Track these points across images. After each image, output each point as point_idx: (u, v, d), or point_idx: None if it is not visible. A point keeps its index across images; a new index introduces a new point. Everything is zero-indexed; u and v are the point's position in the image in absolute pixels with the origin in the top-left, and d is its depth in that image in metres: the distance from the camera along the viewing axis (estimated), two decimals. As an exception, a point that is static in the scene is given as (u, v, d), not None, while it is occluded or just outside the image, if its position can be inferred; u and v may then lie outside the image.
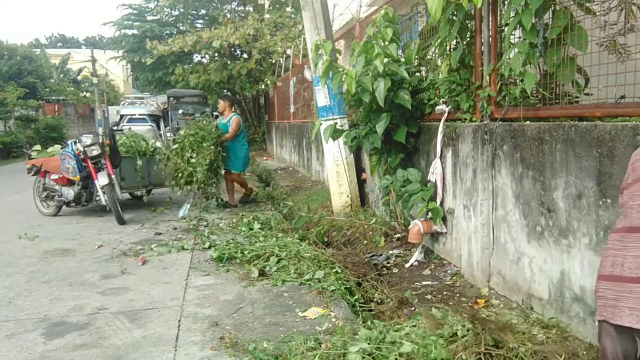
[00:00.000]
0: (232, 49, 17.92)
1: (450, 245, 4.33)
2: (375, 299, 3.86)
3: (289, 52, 15.57)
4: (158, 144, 8.25)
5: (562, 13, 2.90)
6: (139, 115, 12.69)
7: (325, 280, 3.97)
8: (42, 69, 30.86)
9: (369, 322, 3.07)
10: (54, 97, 32.58)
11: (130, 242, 5.70)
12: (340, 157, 6.46)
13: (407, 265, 4.51)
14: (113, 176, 6.72)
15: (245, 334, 3.14)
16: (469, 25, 3.83)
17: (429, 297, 3.70)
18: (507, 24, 3.32)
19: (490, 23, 3.53)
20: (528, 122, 3.21)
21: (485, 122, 3.64)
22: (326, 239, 5.76)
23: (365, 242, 5.34)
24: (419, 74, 4.96)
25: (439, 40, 4.07)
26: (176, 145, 7.09)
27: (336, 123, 5.70)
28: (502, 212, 3.51)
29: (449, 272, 4.21)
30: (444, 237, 4.46)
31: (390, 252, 4.89)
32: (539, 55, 3.03)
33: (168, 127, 13.44)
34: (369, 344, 2.62)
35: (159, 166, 7.71)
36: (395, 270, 4.49)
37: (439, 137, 4.26)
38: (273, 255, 4.58)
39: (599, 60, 2.80)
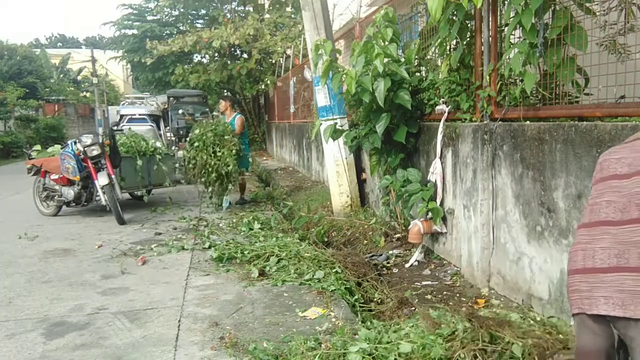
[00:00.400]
0: (232, 49, 17.91)
1: (450, 245, 4.33)
2: (375, 299, 3.86)
3: (289, 52, 15.56)
4: (158, 144, 8.25)
5: (562, 13, 2.90)
6: (139, 115, 12.69)
7: (325, 280, 3.97)
8: (42, 69, 30.86)
9: (369, 322, 3.07)
10: (54, 97, 32.58)
11: (130, 242, 5.70)
12: (340, 157, 6.45)
13: (407, 265, 4.51)
14: (113, 176, 6.72)
15: (245, 334, 3.14)
16: (469, 25, 3.83)
17: (429, 297, 3.69)
18: (507, 24, 3.33)
19: (490, 23, 3.53)
20: (528, 122, 3.21)
21: (485, 122, 3.64)
22: (326, 239, 5.76)
23: (365, 242, 5.34)
24: (419, 74, 4.96)
25: (439, 40, 4.07)
26: (197, 143, 7.05)
27: (336, 123, 5.70)
28: (502, 212, 3.51)
29: (449, 272, 4.21)
30: (444, 237, 4.46)
31: (390, 252, 4.89)
32: (539, 55, 3.03)
33: (168, 127, 13.43)
34: (368, 344, 2.63)
35: (159, 166, 7.73)
36: (395, 270, 4.49)
37: (439, 137, 4.26)
38: (273, 255, 4.58)
39: (599, 60, 2.80)
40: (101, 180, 6.61)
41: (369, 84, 4.40)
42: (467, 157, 3.90)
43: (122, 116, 12.86)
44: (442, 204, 4.34)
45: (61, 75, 37.05)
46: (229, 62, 17.45)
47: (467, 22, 3.80)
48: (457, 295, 3.71)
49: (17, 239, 5.98)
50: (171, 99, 15.51)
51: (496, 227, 3.59)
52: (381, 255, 4.82)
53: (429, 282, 4.03)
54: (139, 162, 7.53)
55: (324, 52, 5.16)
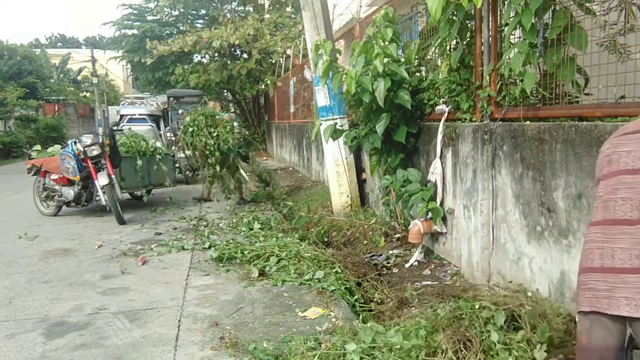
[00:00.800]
0: (232, 49, 17.90)
1: (450, 245, 4.33)
2: (375, 299, 3.86)
3: (289, 52, 15.55)
4: (158, 144, 8.25)
5: (562, 13, 2.90)
6: (139, 115, 12.67)
7: (325, 280, 3.97)
8: (42, 69, 30.86)
9: (369, 323, 3.07)
10: (54, 97, 32.58)
11: (130, 242, 5.70)
12: (340, 157, 6.45)
13: (407, 265, 4.51)
14: (113, 176, 6.72)
15: (245, 334, 3.14)
16: (469, 25, 3.83)
17: (429, 297, 3.69)
18: (507, 24, 3.32)
19: (490, 23, 3.53)
20: (528, 122, 3.21)
21: (485, 122, 3.64)
22: (326, 239, 5.76)
23: (365, 242, 5.34)
24: (419, 74, 4.96)
25: (439, 40, 4.06)
26: (192, 128, 7.14)
27: (336, 123, 5.70)
28: (502, 212, 3.51)
29: (449, 272, 4.21)
30: (444, 237, 4.46)
31: (390, 252, 4.89)
32: (538, 55, 3.03)
33: (168, 127, 13.41)
34: (364, 342, 2.64)
35: (159, 166, 7.74)
36: (395, 270, 4.49)
37: (439, 137, 4.26)
38: (273, 255, 4.58)
39: (599, 60, 2.80)
40: (101, 180, 6.61)
41: (369, 84, 4.40)
42: (467, 157, 3.90)
43: (122, 116, 12.85)
44: (442, 204, 4.34)
45: (61, 75, 37.05)
46: (229, 62, 17.43)
47: (467, 22, 3.80)
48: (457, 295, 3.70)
49: (17, 239, 5.99)
50: (171, 99, 15.49)
51: (496, 227, 3.59)
52: (381, 255, 4.82)
53: (429, 282, 4.03)
54: (139, 162, 7.54)
55: (324, 52, 5.16)
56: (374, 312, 3.64)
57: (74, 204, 7.21)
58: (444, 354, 2.42)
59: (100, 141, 6.78)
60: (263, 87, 17.30)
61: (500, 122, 3.47)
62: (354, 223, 5.85)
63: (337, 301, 3.62)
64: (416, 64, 5.00)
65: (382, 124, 4.61)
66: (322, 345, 2.78)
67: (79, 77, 39.20)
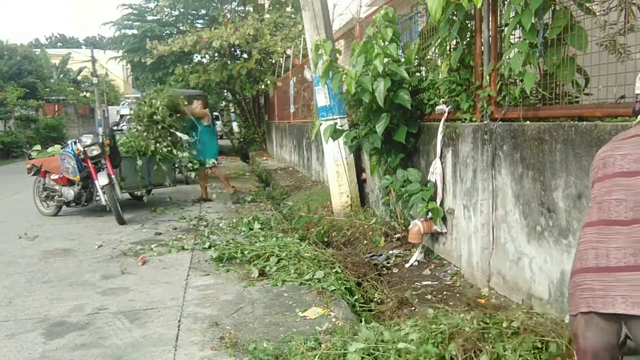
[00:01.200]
0: (232, 49, 17.88)
1: (450, 245, 4.33)
2: (375, 299, 3.86)
3: (289, 52, 15.54)
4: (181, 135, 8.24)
5: (562, 13, 2.90)
6: (139, 115, 12.66)
7: (325, 280, 3.97)
8: (42, 69, 30.85)
9: (369, 323, 3.07)
10: (54, 97, 32.57)
11: (130, 242, 5.70)
12: (340, 157, 6.45)
13: (407, 265, 4.51)
14: (113, 176, 6.72)
15: (245, 334, 3.14)
16: (469, 25, 3.83)
17: (429, 297, 3.70)
18: (507, 24, 3.33)
19: (490, 23, 3.53)
20: (528, 122, 3.21)
21: (485, 122, 3.64)
22: (326, 239, 5.76)
23: (365, 242, 5.34)
24: (419, 74, 4.96)
25: (439, 40, 4.07)
26: (134, 122, 7.52)
27: (336, 123, 5.70)
28: (502, 212, 3.51)
29: (449, 272, 4.21)
30: (444, 237, 4.46)
31: (390, 252, 4.89)
32: (538, 55, 3.03)
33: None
34: (367, 343, 2.63)
35: (159, 166, 7.73)
36: (395, 270, 4.49)
37: (439, 137, 4.26)
38: (273, 255, 4.58)
39: (599, 60, 2.80)
40: (101, 180, 6.61)
41: (369, 84, 4.40)
42: (467, 157, 3.90)
43: (122, 116, 12.87)
44: (442, 204, 4.34)
45: (61, 75, 37.04)
46: (229, 62, 17.41)
47: (467, 22, 3.80)
48: (457, 295, 3.71)
49: (17, 239, 5.98)
50: (171, 99, 15.46)
51: (496, 227, 3.59)
52: (381, 255, 4.82)
53: (429, 282, 4.03)
54: (139, 162, 7.53)
55: (324, 52, 5.16)
56: (374, 312, 3.64)
57: (74, 204, 7.20)
58: None
59: (100, 141, 6.78)
60: (263, 87, 17.28)
61: (500, 122, 3.47)
62: (354, 223, 5.85)
63: (337, 301, 3.62)
64: (416, 64, 5.00)
65: (382, 124, 4.61)
66: (322, 345, 2.78)
67: (79, 77, 39.20)
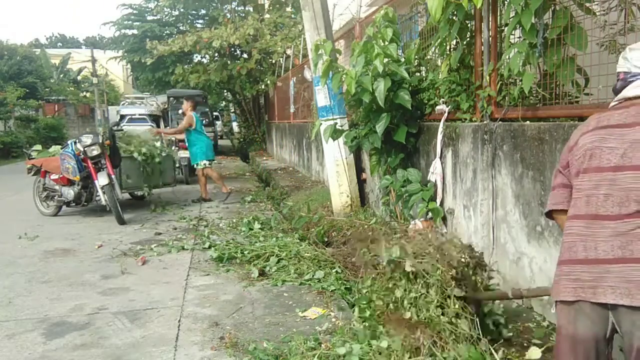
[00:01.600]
0: (232, 49, 17.88)
1: (450, 245, 4.32)
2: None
3: (289, 52, 15.54)
4: (158, 144, 8.26)
5: (562, 13, 2.90)
6: (139, 115, 12.69)
7: (325, 280, 3.97)
8: (42, 69, 30.84)
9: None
10: (54, 97, 32.55)
11: (130, 242, 5.70)
12: (340, 157, 6.45)
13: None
14: (113, 176, 6.72)
15: (245, 334, 3.14)
16: (469, 25, 3.83)
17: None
18: (507, 24, 3.32)
19: (490, 23, 3.53)
20: (528, 122, 3.21)
21: (485, 122, 3.64)
22: (326, 239, 5.75)
23: (365, 242, 5.33)
24: (419, 74, 4.96)
25: (439, 40, 4.06)
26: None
27: (336, 123, 5.70)
28: (502, 212, 3.51)
29: (449, 272, 4.20)
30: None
31: (390, 252, 4.89)
32: (538, 55, 3.03)
33: (168, 127, 13.42)
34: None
35: (159, 166, 7.76)
36: (395, 270, 4.49)
37: (439, 137, 4.26)
38: (273, 255, 4.58)
39: (599, 60, 2.80)
40: (101, 180, 6.61)
41: (369, 84, 4.40)
42: (467, 157, 3.90)
43: (122, 116, 12.87)
44: (442, 204, 4.34)
45: (61, 75, 37.02)
46: (229, 62, 17.41)
47: (467, 22, 3.80)
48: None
49: (17, 239, 5.98)
50: (171, 99, 15.52)
51: (496, 227, 3.59)
52: (381, 255, 4.82)
53: (429, 282, 4.03)
54: (139, 162, 7.54)
55: (324, 52, 5.16)
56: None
57: (74, 204, 7.20)
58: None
59: (100, 141, 6.78)
60: (263, 87, 17.29)
61: (500, 122, 3.47)
62: (354, 223, 5.84)
63: (337, 301, 3.62)
64: (416, 64, 5.00)
65: (382, 124, 4.61)
66: (322, 345, 2.78)
67: (79, 77, 39.18)
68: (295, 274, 4.21)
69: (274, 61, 16.75)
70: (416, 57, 4.87)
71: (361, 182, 6.66)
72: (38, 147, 8.44)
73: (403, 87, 4.56)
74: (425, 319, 2.52)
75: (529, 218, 3.20)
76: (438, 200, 4.32)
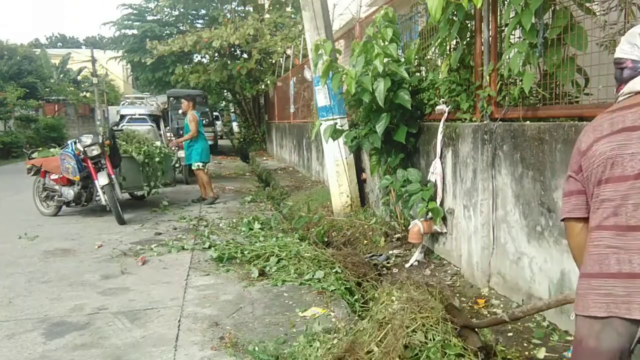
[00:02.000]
0: (232, 49, 17.89)
1: (450, 245, 4.33)
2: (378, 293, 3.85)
3: (289, 52, 15.55)
4: (158, 144, 8.27)
5: (562, 13, 2.90)
6: (139, 115, 12.67)
7: (325, 280, 3.97)
8: (42, 69, 30.84)
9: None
10: (54, 97, 32.55)
11: (130, 242, 5.69)
12: (340, 157, 6.45)
13: (407, 265, 4.51)
14: (113, 176, 6.72)
15: (245, 334, 3.14)
16: (469, 25, 3.83)
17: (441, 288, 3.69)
18: (507, 24, 3.33)
19: (490, 23, 3.53)
20: (528, 122, 3.21)
21: (485, 122, 3.64)
22: (326, 239, 5.76)
23: (365, 242, 5.34)
24: (419, 74, 4.96)
25: (439, 40, 4.07)
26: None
27: (336, 123, 5.70)
28: (502, 212, 3.51)
29: (449, 272, 4.21)
30: (444, 237, 4.46)
31: (390, 252, 4.89)
32: (538, 55, 3.03)
33: (168, 127, 13.43)
34: None
35: (160, 166, 7.77)
36: (395, 270, 4.49)
37: (439, 137, 4.26)
38: (273, 255, 4.58)
39: (599, 60, 2.80)
40: (101, 180, 6.61)
41: (369, 84, 4.40)
42: (467, 157, 3.90)
43: (122, 116, 12.85)
44: (442, 204, 4.34)
45: (61, 75, 37.03)
46: (229, 62, 17.41)
47: (467, 22, 3.80)
48: (457, 295, 3.71)
49: (17, 239, 5.98)
50: (171, 99, 15.52)
51: (496, 227, 3.59)
52: (381, 255, 4.83)
53: (429, 282, 4.03)
54: (139, 162, 7.54)
55: (324, 52, 5.16)
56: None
57: (74, 204, 7.20)
58: None
59: (100, 141, 6.78)
60: (263, 87, 17.30)
61: (500, 122, 3.47)
62: (354, 223, 5.85)
63: (337, 301, 3.62)
64: (416, 64, 5.00)
65: (382, 124, 4.61)
66: (322, 345, 2.78)
67: (79, 77, 39.19)
68: (295, 274, 4.20)
69: (274, 61, 16.76)
70: (416, 57, 4.87)
71: (361, 182, 6.66)
72: (40, 149, 8.44)
73: (403, 87, 4.56)
74: None
75: (529, 218, 3.20)
76: (438, 200, 4.32)
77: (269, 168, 12.92)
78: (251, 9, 19.27)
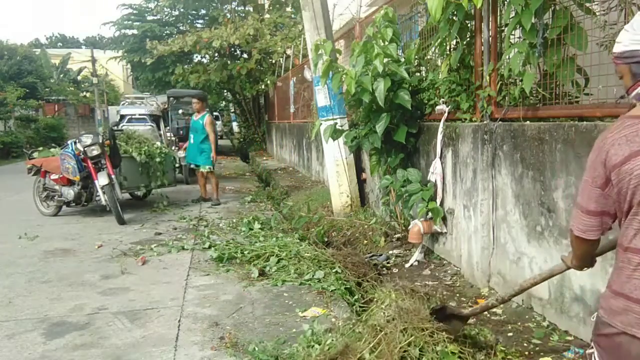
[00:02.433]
0: (232, 49, 17.88)
1: (450, 245, 4.33)
2: (375, 298, 3.85)
3: (289, 52, 15.54)
4: (158, 144, 8.27)
5: (562, 13, 2.90)
6: (139, 115, 12.66)
7: (325, 280, 3.97)
8: (42, 69, 30.83)
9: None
10: (54, 97, 32.54)
11: (130, 242, 5.69)
12: (340, 157, 6.45)
13: (407, 265, 4.51)
14: (113, 176, 6.72)
15: (245, 334, 3.14)
16: (469, 25, 3.83)
17: (432, 293, 3.69)
18: (507, 24, 3.33)
19: (490, 23, 3.53)
20: (528, 122, 3.21)
21: (485, 122, 3.64)
22: (326, 239, 5.76)
23: (365, 242, 5.34)
24: (419, 74, 4.96)
25: (439, 40, 4.07)
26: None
27: (336, 123, 5.70)
28: (502, 212, 3.51)
29: (449, 272, 4.21)
30: (444, 237, 4.46)
31: (390, 252, 4.89)
32: (538, 55, 3.03)
33: (168, 127, 13.41)
34: None
35: (159, 166, 7.77)
36: (395, 270, 4.49)
37: (439, 137, 4.26)
38: (273, 255, 4.58)
39: (599, 60, 2.80)
40: (101, 180, 6.61)
41: (369, 84, 4.40)
42: (467, 157, 3.90)
43: (122, 116, 12.84)
44: (442, 204, 4.34)
45: (61, 75, 37.01)
46: (229, 62, 17.40)
47: (467, 22, 3.80)
48: (457, 295, 3.71)
49: (17, 239, 5.98)
50: (171, 99, 15.48)
51: (496, 227, 3.59)
52: (381, 255, 4.82)
53: (429, 282, 4.03)
54: (139, 162, 7.54)
55: (324, 52, 5.16)
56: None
57: (74, 204, 7.20)
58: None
59: (100, 141, 6.78)
60: (263, 87, 17.29)
61: (500, 122, 3.47)
62: (354, 223, 5.85)
63: (337, 301, 3.62)
64: (416, 64, 5.00)
65: (382, 124, 4.61)
66: (323, 345, 2.78)
67: (79, 77, 39.17)
68: (295, 274, 4.20)
69: (274, 61, 16.75)
70: (416, 57, 4.87)
71: (361, 182, 6.66)
72: (40, 149, 8.45)
73: (403, 87, 4.56)
74: None
75: (529, 218, 3.19)
76: (438, 200, 4.32)
77: (269, 168, 12.92)
78: (251, 9, 19.26)
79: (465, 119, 3.90)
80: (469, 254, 3.93)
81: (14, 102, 23.29)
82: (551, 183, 2.97)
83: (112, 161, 6.86)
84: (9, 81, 25.41)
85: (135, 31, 19.21)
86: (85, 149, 6.63)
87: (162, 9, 19.44)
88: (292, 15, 17.74)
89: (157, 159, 7.79)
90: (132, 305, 3.74)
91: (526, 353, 2.78)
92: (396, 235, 5.18)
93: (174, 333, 3.21)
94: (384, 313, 2.64)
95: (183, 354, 2.93)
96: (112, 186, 6.67)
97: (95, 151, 6.66)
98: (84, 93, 37.89)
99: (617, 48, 1.56)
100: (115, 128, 8.61)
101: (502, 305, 3.40)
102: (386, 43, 4.46)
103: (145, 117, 12.52)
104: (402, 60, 4.74)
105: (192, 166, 8.40)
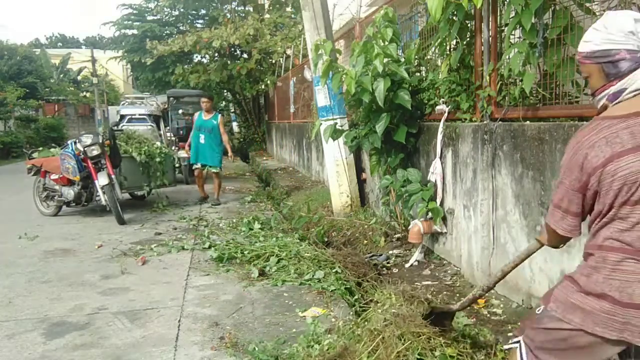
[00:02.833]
0: (232, 49, 17.88)
1: (450, 245, 4.33)
2: (375, 299, 3.85)
3: (289, 52, 15.54)
4: (158, 144, 8.27)
5: (562, 13, 2.90)
6: (139, 115, 12.66)
7: (325, 280, 3.97)
8: (42, 69, 30.83)
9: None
10: (54, 97, 32.55)
11: (130, 242, 5.69)
12: (340, 157, 6.45)
13: (407, 265, 4.51)
14: (113, 176, 6.72)
15: (245, 334, 3.14)
16: (469, 25, 3.83)
17: (429, 297, 3.69)
18: (507, 24, 3.33)
19: (490, 23, 3.53)
20: (528, 122, 3.21)
21: (485, 122, 3.64)
22: (326, 239, 5.76)
23: (365, 242, 5.34)
24: (419, 74, 4.96)
25: (439, 40, 4.07)
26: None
27: (336, 123, 5.70)
28: (502, 212, 3.51)
29: (449, 272, 4.21)
30: (444, 237, 4.46)
31: (390, 252, 4.89)
32: (538, 55, 3.03)
33: (168, 127, 13.41)
34: None
35: (159, 166, 7.77)
36: (395, 270, 4.49)
37: (439, 137, 4.26)
38: (273, 255, 4.58)
39: (599, 60, 2.80)
40: (101, 180, 6.61)
41: (369, 84, 4.40)
42: (467, 157, 3.90)
43: (122, 116, 12.84)
44: (442, 204, 4.34)
45: (61, 75, 37.02)
46: (229, 62, 17.40)
47: (467, 22, 3.80)
48: (457, 295, 3.71)
49: (17, 239, 5.98)
50: (171, 99, 15.48)
51: (496, 227, 3.59)
52: (381, 255, 4.83)
53: (429, 282, 4.03)
54: (139, 162, 7.54)
55: (324, 52, 5.16)
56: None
57: (74, 204, 7.20)
58: None
59: (100, 141, 6.78)
60: (263, 87, 17.29)
61: (500, 122, 3.47)
62: (354, 223, 5.85)
63: (337, 301, 3.62)
64: (416, 64, 5.00)
65: (382, 124, 4.61)
66: (322, 345, 2.78)
67: (79, 77, 39.18)
68: (295, 274, 4.20)
69: (274, 61, 16.75)
70: (416, 57, 4.87)
71: (361, 182, 6.66)
72: (41, 149, 8.45)
73: (403, 87, 4.56)
74: None
75: (529, 218, 3.20)
76: (438, 200, 4.32)
77: (269, 168, 12.92)
78: (251, 9, 19.26)
79: (465, 119, 3.90)
80: (469, 254, 3.93)
81: (14, 102, 23.30)
82: (551, 183, 2.97)
83: (112, 161, 6.87)
84: (9, 81, 25.41)
85: (135, 31, 19.21)
86: (85, 149, 6.63)
87: (162, 9, 19.44)
88: (292, 15, 17.74)
89: (157, 159, 7.79)
90: (132, 305, 3.74)
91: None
92: (396, 235, 5.18)
93: (174, 333, 3.21)
94: (382, 317, 2.64)
95: (183, 354, 2.93)
96: (112, 186, 6.67)
97: (95, 151, 6.65)
98: (84, 93, 37.91)
99: (587, 47, 1.53)
100: (115, 128, 8.62)
101: (502, 305, 3.41)
102: (386, 43, 4.46)
103: (145, 117, 12.53)
104: (402, 60, 4.74)
105: (195, 166, 8.34)
